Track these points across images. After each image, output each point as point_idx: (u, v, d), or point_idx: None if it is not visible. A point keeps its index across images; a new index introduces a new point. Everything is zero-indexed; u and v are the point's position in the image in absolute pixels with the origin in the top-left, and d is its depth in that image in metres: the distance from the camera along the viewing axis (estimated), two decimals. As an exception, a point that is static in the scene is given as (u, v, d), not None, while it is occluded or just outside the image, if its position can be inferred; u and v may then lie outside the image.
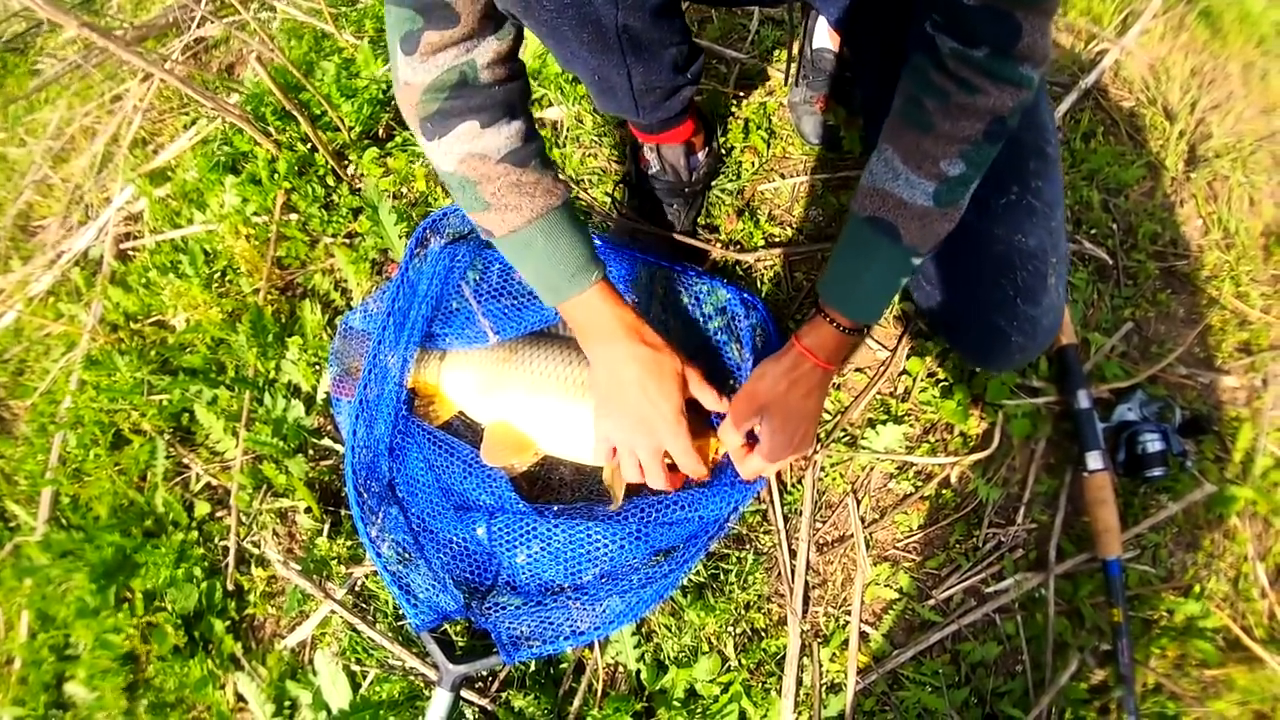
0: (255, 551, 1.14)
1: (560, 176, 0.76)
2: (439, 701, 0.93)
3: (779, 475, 1.01)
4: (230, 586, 1.14)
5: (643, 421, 0.80)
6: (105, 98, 1.59)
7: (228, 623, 1.13)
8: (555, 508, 0.95)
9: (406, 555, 0.97)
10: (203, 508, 1.18)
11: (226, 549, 1.15)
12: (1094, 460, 0.98)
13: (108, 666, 1.16)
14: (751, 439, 0.85)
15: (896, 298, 1.05)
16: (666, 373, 0.80)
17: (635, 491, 0.91)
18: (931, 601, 0.97)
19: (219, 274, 1.28)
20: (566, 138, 1.18)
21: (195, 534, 1.17)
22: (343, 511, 1.11)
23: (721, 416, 0.86)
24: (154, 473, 1.22)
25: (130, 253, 1.40)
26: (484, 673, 0.99)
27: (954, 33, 0.59)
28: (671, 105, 0.89)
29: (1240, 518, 1.02)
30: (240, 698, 1.11)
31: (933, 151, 0.63)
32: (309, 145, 1.22)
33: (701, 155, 1.06)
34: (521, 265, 0.77)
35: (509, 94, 0.69)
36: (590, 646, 0.97)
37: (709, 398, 0.86)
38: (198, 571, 1.15)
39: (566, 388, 0.95)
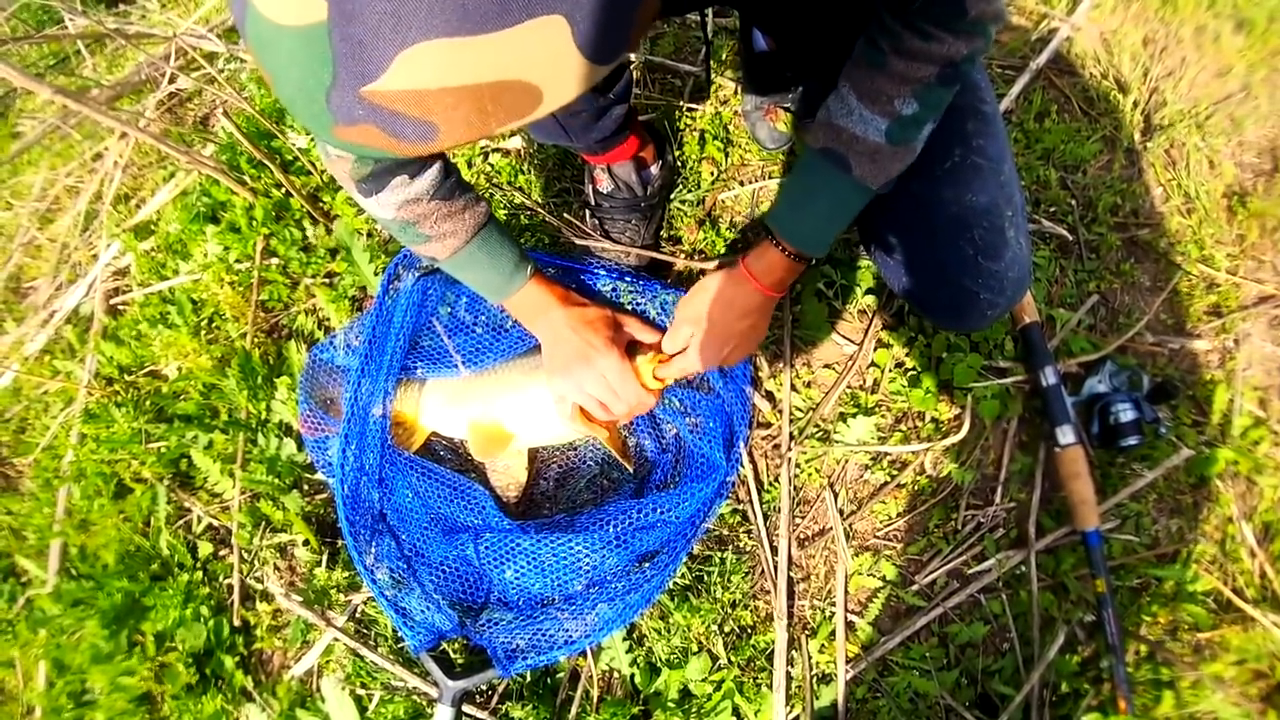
0: (259, 587, 1.22)
1: (478, 195, 0.87)
2: (441, 717, 1.00)
3: (756, 474, 1.07)
4: (237, 622, 1.22)
5: (582, 358, 0.91)
6: (86, 156, 1.70)
7: (237, 658, 1.21)
8: (536, 523, 1.02)
9: (400, 580, 1.04)
10: (206, 548, 1.26)
11: (231, 586, 1.23)
12: (1065, 435, 1.02)
13: (125, 709, 1.24)
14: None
15: (860, 291, 1.11)
16: (594, 317, 0.94)
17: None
18: (915, 587, 1.02)
19: (207, 321, 1.36)
20: (528, 165, 1.26)
21: (200, 574, 1.25)
22: (339, 542, 1.18)
23: None
24: (157, 518, 1.30)
25: (120, 307, 1.50)
26: (483, 687, 1.05)
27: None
28: (605, 126, 0.96)
29: (1222, 479, 1.06)
30: (255, 731, 1.18)
31: (887, 90, 0.68)
32: (284, 190, 1.30)
33: (655, 169, 1.12)
34: (465, 276, 0.90)
35: None
36: (584, 654, 1.03)
37: (646, 335, 0.96)
38: (205, 610, 1.23)
39: (519, 376, 1.05)
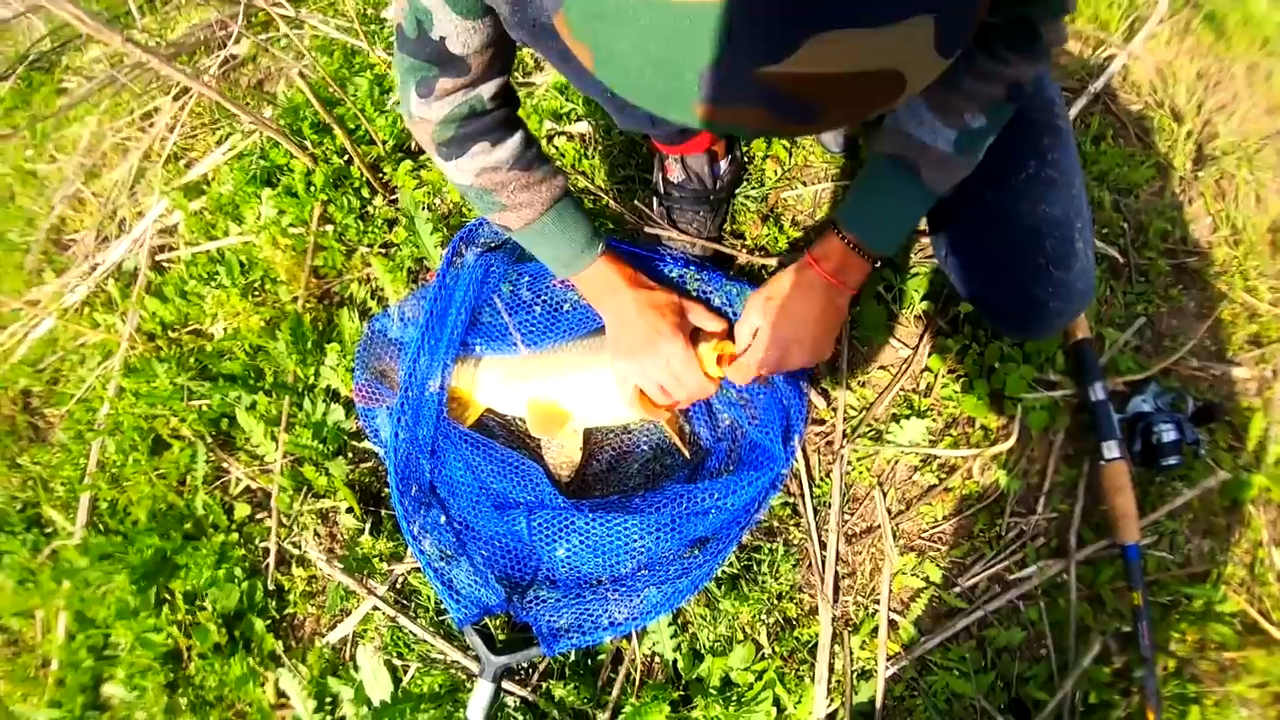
0: (295, 552, 1.21)
1: (556, 169, 0.87)
2: (481, 692, 0.99)
3: (808, 468, 1.08)
4: (270, 586, 1.21)
5: (648, 343, 0.92)
6: (135, 115, 1.68)
7: (268, 621, 1.20)
8: (590, 502, 1.02)
9: (447, 553, 1.04)
10: (242, 510, 1.25)
11: (267, 550, 1.22)
12: (1110, 449, 1.04)
13: (148, 665, 1.22)
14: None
15: (918, 296, 1.13)
16: (662, 302, 0.94)
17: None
18: (957, 589, 1.03)
19: (255, 284, 1.36)
20: (594, 150, 1.27)
21: (235, 535, 1.24)
22: (383, 512, 1.18)
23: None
24: (194, 476, 1.29)
25: (165, 264, 1.49)
26: (524, 664, 1.06)
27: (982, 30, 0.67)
28: None
29: (1254, 505, 1.08)
30: (281, 694, 1.17)
31: (958, 104, 0.71)
32: (345, 158, 1.30)
33: (724, 164, 1.14)
34: (537, 248, 0.90)
35: (508, 114, 0.82)
36: (628, 637, 1.03)
37: (711, 323, 0.97)
38: (238, 572, 1.22)
39: (580, 357, 1.05)
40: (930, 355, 1.10)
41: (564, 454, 1.08)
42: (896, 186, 0.79)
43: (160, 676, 1.22)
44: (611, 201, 1.20)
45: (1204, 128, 1.24)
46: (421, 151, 1.34)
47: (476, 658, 1.05)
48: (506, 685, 1.03)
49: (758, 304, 0.91)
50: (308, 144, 1.34)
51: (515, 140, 0.81)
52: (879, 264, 0.88)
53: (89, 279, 1.54)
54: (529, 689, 1.04)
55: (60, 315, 1.52)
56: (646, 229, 1.15)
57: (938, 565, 1.04)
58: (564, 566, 1.00)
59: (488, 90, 0.77)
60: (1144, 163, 1.21)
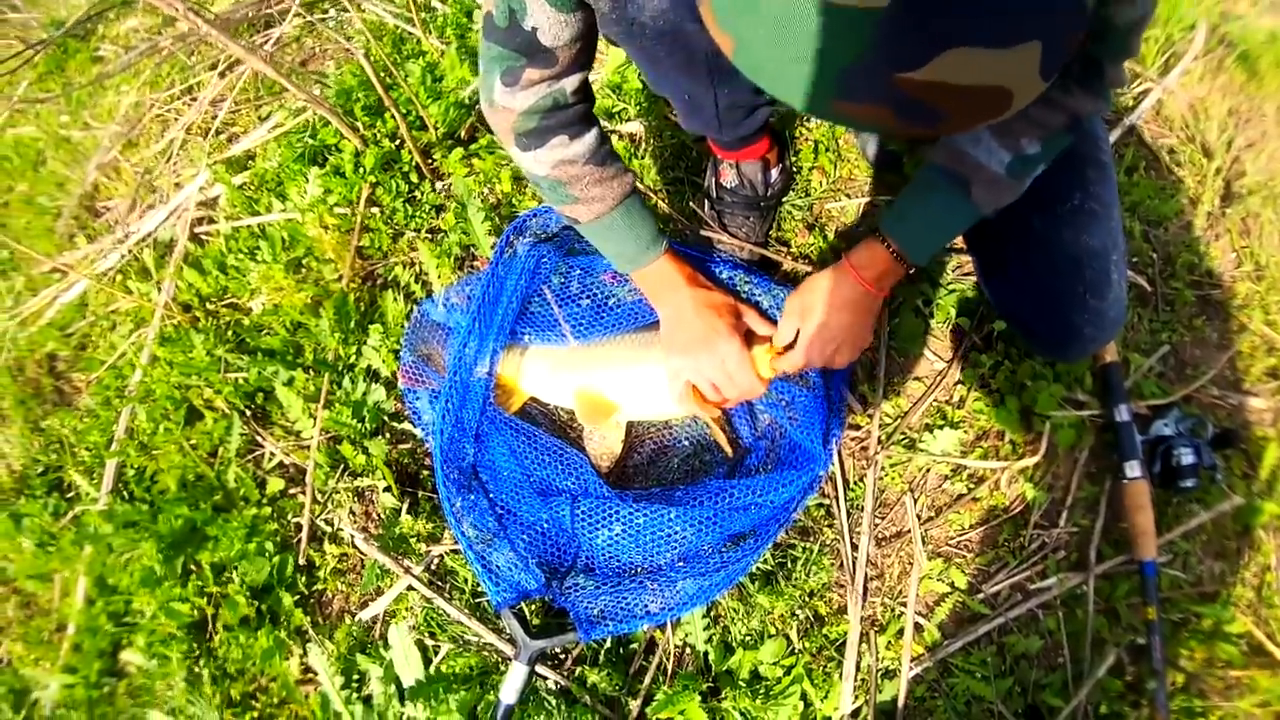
0: (327, 529, 1.22)
1: (625, 166, 0.90)
2: (515, 675, 1.01)
3: (843, 472, 1.11)
4: (301, 561, 1.22)
5: (705, 342, 0.94)
6: (176, 88, 1.69)
7: (296, 597, 1.21)
8: (634, 492, 1.04)
9: (487, 536, 1.05)
10: (275, 484, 1.26)
11: (298, 525, 1.23)
12: (1132, 469, 1.08)
13: (171, 634, 1.23)
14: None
15: (955, 312, 1.16)
16: (719, 302, 0.97)
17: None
18: (980, 596, 1.07)
19: (296, 261, 1.37)
20: (645, 150, 1.29)
21: (268, 510, 1.25)
22: (420, 494, 1.19)
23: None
24: (227, 449, 1.29)
25: (204, 237, 1.49)
26: (558, 649, 1.07)
27: None
28: (750, 124, 1.00)
29: (1265, 530, 1.13)
30: (306, 670, 1.18)
31: (1018, 130, 0.74)
32: (396, 142, 1.32)
33: (775, 172, 1.16)
34: (604, 242, 0.92)
35: (587, 109, 0.84)
36: (661, 627, 1.05)
37: (760, 324, 1.00)
38: (269, 546, 1.22)
39: (630, 352, 1.07)
40: (964, 369, 1.14)
41: (605, 445, 1.10)
42: (945, 200, 0.82)
43: (183, 646, 1.22)
44: (660, 202, 1.23)
45: (1232, 165, 1.29)
46: (472, 140, 1.36)
47: (512, 641, 1.07)
48: (540, 670, 1.05)
49: (796, 306, 0.94)
50: (358, 125, 1.35)
51: (592, 135, 0.84)
52: (912, 271, 0.91)
53: (123, 246, 1.54)
54: (562, 674, 1.06)
55: (93, 280, 1.52)
56: (703, 231, 1.17)
57: (963, 572, 1.07)
58: (604, 554, 1.02)
59: (570, 84, 0.79)
60: (1174, 196, 1.26)
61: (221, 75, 1.61)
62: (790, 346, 0.96)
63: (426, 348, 1.18)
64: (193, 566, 1.26)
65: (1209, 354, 1.19)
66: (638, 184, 0.92)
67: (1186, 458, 1.09)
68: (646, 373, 1.05)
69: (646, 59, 0.81)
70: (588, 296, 1.13)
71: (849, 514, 1.09)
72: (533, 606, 1.09)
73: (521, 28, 0.71)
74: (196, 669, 1.21)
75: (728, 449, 1.07)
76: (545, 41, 0.72)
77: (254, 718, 1.16)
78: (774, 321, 1.02)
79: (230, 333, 1.35)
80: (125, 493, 1.37)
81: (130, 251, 1.53)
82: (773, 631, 1.04)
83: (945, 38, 0.37)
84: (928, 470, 1.11)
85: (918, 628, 1.06)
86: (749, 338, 0.99)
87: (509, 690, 1.00)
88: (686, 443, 1.12)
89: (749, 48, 0.42)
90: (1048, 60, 0.40)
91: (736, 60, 0.44)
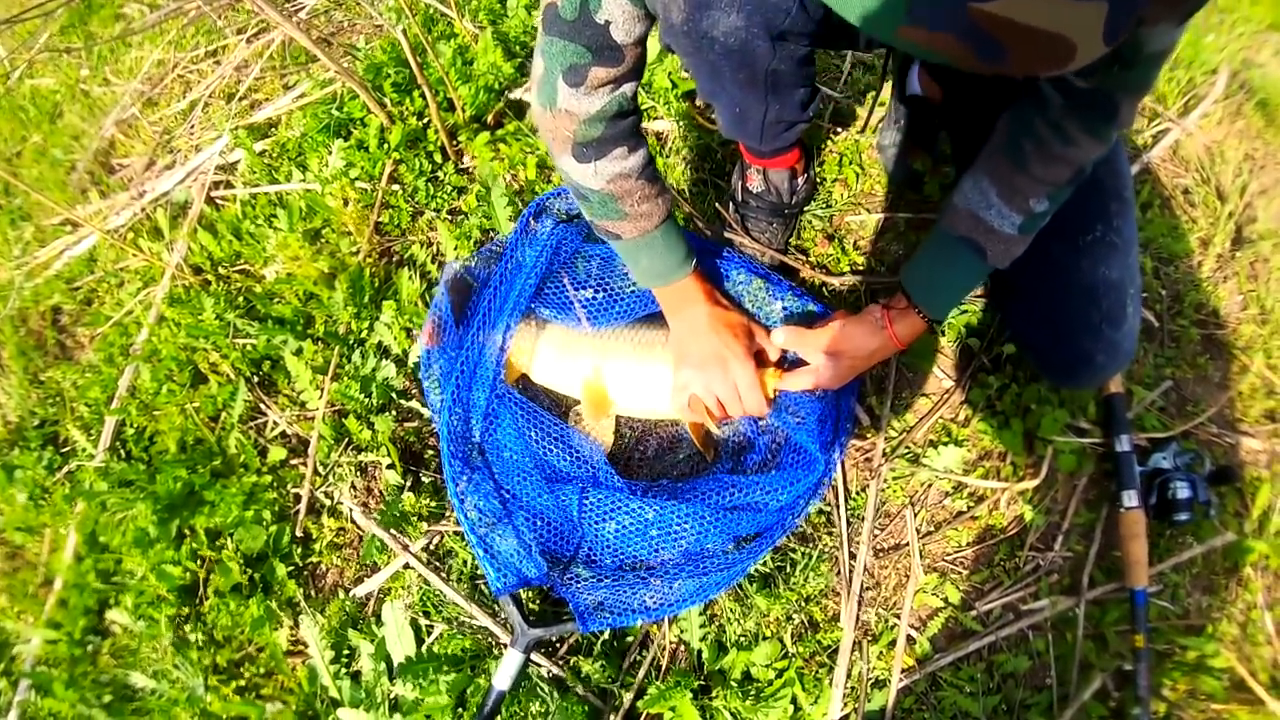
0: (327, 502, 1.22)
1: (666, 186, 0.90)
2: (510, 661, 1.01)
3: (845, 482, 1.13)
4: (299, 533, 1.22)
5: (717, 358, 0.96)
6: (201, 50, 1.69)
7: (290, 568, 1.21)
8: (643, 485, 1.05)
9: (490, 520, 1.06)
10: (277, 453, 1.26)
11: (298, 496, 1.23)
12: (1129, 499, 1.11)
13: (161, 595, 1.22)
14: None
15: (966, 333, 1.18)
16: (735, 322, 0.99)
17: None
18: (973, 613, 1.09)
19: (314, 232, 1.37)
20: (671, 150, 1.31)
21: (268, 478, 1.25)
22: (422, 474, 1.20)
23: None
24: (230, 414, 1.29)
25: (220, 201, 1.49)
26: (554, 638, 1.08)
27: (1063, 94, 0.72)
28: (789, 136, 1.02)
29: (1254, 569, 1.15)
30: (295, 642, 1.18)
31: (1024, 189, 0.77)
32: (423, 121, 1.33)
33: (801, 180, 1.18)
34: (638, 258, 0.92)
35: (639, 120, 0.84)
36: (658, 623, 1.07)
37: (772, 348, 1.02)
38: (267, 515, 1.22)
39: (636, 349, 1.09)
40: (971, 389, 1.16)
41: (597, 434, 1.11)
42: (964, 265, 0.87)
43: (171, 609, 1.21)
44: (684, 202, 1.24)
45: (1245, 209, 1.32)
46: (498, 125, 1.37)
47: (509, 626, 1.08)
48: (534, 658, 1.06)
49: (821, 341, 0.97)
50: (386, 102, 1.36)
51: (645, 149, 0.84)
52: (933, 325, 0.95)
53: (136, 204, 1.54)
54: (555, 663, 1.06)
55: (103, 235, 1.51)
56: (725, 233, 1.19)
57: (957, 588, 1.09)
58: (609, 547, 1.03)
59: (630, 89, 0.77)
60: (1186, 236, 1.29)
61: (249, 41, 1.61)
62: (795, 364, 0.98)
63: (460, 303, 1.15)
64: (187, 531, 1.26)
65: (1210, 392, 1.22)
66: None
67: (1182, 491, 1.12)
68: (650, 372, 1.06)
69: (708, 70, 0.81)
70: (603, 288, 1.14)
71: (849, 523, 1.11)
72: (529, 594, 1.10)
73: (595, 20, 0.68)
74: (184, 633, 1.20)
75: (709, 455, 1.09)
76: (618, 37, 0.70)
77: (240, 686, 1.16)
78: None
79: (241, 298, 1.36)
80: (123, 451, 1.36)
81: (144, 210, 1.53)
82: (767, 634, 1.06)
83: None
84: (929, 486, 1.13)
85: (910, 640, 1.07)
86: (758, 358, 1.01)
87: (503, 676, 1.01)
88: (691, 440, 1.13)
89: None
90: (1112, 23, 0.42)
91: None
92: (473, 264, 1.17)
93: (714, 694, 1.03)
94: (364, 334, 1.27)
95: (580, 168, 0.81)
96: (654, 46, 1.35)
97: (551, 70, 0.73)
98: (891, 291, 1.21)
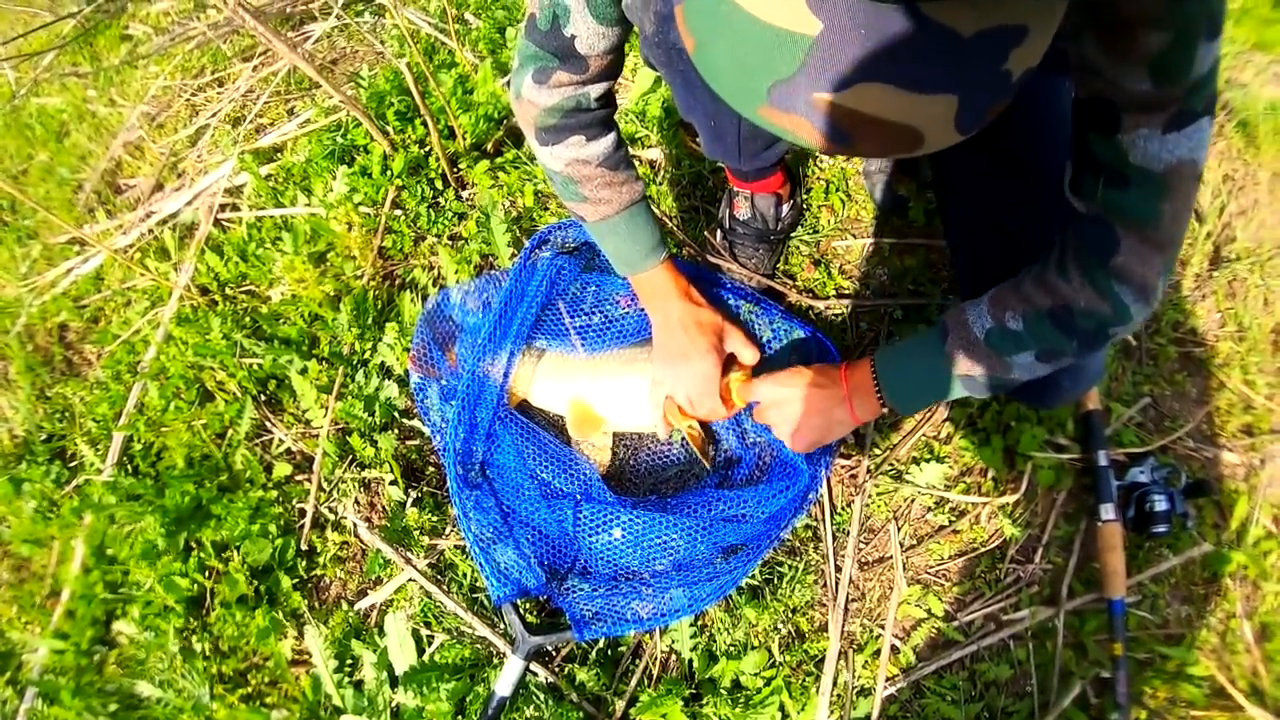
0: (331, 516, 1.30)
1: (639, 175, 0.97)
2: (512, 668, 1.09)
3: (831, 497, 1.21)
4: (304, 546, 1.30)
5: (683, 356, 1.02)
6: (207, 75, 1.79)
7: (295, 580, 1.29)
8: (633, 499, 1.14)
9: (487, 534, 1.14)
10: (282, 469, 1.34)
11: (303, 510, 1.31)
12: (1107, 512, 1.18)
13: (168, 606, 1.30)
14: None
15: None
16: (705, 320, 1.04)
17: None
18: (955, 623, 1.16)
19: (319, 255, 1.46)
20: (663, 177, 1.40)
21: (273, 493, 1.33)
22: (424, 489, 1.28)
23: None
24: (236, 431, 1.38)
25: (227, 223, 1.58)
26: (552, 646, 1.16)
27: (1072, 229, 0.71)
28: (769, 156, 1.10)
29: (1232, 579, 1.23)
30: (299, 652, 1.26)
31: (1007, 300, 0.77)
32: (424, 149, 1.42)
33: (787, 207, 1.27)
34: (604, 242, 1.00)
35: (608, 114, 0.91)
36: (651, 632, 1.14)
37: (746, 352, 1.07)
38: (272, 529, 1.30)
39: (620, 365, 1.17)
40: (953, 407, 1.24)
41: (595, 453, 1.19)
42: (929, 352, 0.85)
43: (178, 620, 1.29)
44: (675, 228, 1.33)
45: (1223, 230, 1.40)
46: (499, 153, 1.46)
47: (509, 636, 1.15)
48: (531, 666, 1.13)
49: (773, 390, 0.99)
50: (389, 130, 1.45)
51: (608, 140, 0.91)
52: (887, 411, 0.93)
53: (143, 224, 1.63)
54: (551, 671, 1.14)
55: (110, 255, 1.60)
56: (709, 258, 1.28)
57: (940, 599, 1.17)
58: (603, 558, 1.11)
59: (596, 90, 0.86)
60: (1164, 255, 1.37)
61: (255, 68, 1.71)
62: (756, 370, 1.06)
63: (440, 335, 1.26)
64: (194, 543, 1.34)
65: (1187, 408, 1.30)
66: (647, 194, 0.99)
67: (1160, 504, 1.20)
68: (630, 385, 1.14)
69: (682, 82, 0.90)
70: (599, 312, 1.23)
71: (835, 537, 1.18)
72: (526, 606, 1.18)
73: (562, 33, 0.77)
74: (190, 643, 1.28)
75: (706, 462, 1.15)
76: (581, 49, 0.79)
77: (245, 694, 1.24)
78: (761, 347, 1.11)
79: (247, 319, 1.44)
80: (130, 466, 1.44)
81: (151, 231, 1.62)
82: (756, 643, 1.13)
83: (864, 74, 0.42)
84: (912, 501, 1.21)
85: (894, 649, 1.15)
86: (729, 360, 1.08)
87: (504, 683, 1.08)
88: (681, 454, 1.21)
89: (705, 49, 0.49)
90: (964, 115, 0.45)
91: (695, 59, 0.51)
92: (466, 300, 1.26)
93: (704, 701, 1.10)
94: (367, 354, 1.35)
95: (541, 149, 0.90)
96: (648, 75, 1.44)
97: (523, 67, 0.84)
98: (876, 315, 1.31)
